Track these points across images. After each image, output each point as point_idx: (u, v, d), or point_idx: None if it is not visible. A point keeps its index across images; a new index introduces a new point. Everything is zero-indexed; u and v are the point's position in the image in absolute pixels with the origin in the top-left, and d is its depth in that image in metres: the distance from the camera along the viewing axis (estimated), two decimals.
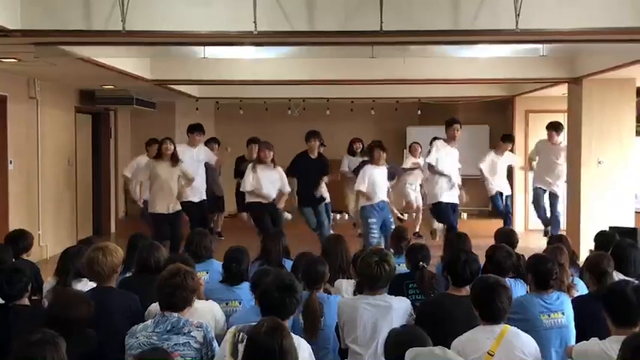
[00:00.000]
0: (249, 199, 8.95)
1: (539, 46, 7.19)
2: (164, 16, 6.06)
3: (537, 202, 10.46)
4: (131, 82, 9.87)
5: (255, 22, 5.77)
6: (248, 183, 8.83)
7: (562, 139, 10.35)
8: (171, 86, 10.75)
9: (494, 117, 13.43)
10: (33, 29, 5.93)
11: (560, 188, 10.39)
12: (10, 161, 9.12)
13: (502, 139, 11.18)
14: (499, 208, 10.97)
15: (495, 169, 10.86)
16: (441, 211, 9.10)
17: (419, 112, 13.17)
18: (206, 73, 9.68)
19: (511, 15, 5.73)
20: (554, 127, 10.43)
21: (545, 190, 10.44)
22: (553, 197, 10.44)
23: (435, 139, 9.58)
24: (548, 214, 10.37)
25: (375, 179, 8.61)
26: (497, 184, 10.85)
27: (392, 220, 8.81)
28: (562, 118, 11.50)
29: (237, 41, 6.70)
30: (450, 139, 9.00)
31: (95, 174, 12.22)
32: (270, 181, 8.84)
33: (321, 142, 9.60)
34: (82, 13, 5.96)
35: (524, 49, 7.67)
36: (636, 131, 10.23)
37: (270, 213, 8.89)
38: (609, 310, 3.54)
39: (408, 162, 11.39)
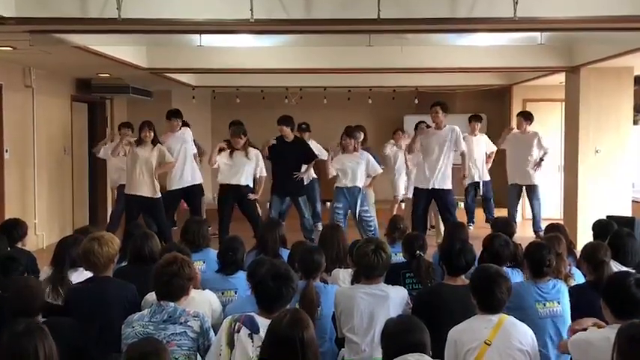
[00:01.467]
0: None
1: (537, 34, 7.16)
2: (160, 3, 6.04)
3: (511, 202, 10.38)
4: (127, 71, 9.82)
5: (251, 9, 5.75)
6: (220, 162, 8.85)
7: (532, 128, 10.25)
8: (168, 75, 10.72)
9: (491, 106, 13.40)
10: (28, 17, 5.90)
11: (536, 177, 10.19)
12: (6, 150, 9.08)
13: (469, 119, 11.05)
14: (468, 202, 10.98)
15: (472, 154, 10.66)
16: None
17: (416, 100, 13.13)
18: (202, 62, 9.66)
19: (509, 3, 5.71)
20: (523, 115, 10.31)
21: (521, 187, 10.27)
22: (531, 192, 10.22)
23: (420, 122, 9.57)
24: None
25: (344, 164, 8.74)
26: (474, 171, 10.77)
27: (364, 209, 8.76)
28: (560, 107, 11.51)
29: (233, 29, 6.66)
30: (433, 123, 8.89)
31: (91, 163, 12.17)
32: (239, 167, 8.81)
33: (293, 128, 9.48)
34: (78, 1, 5.94)
35: (521, 37, 7.64)
36: (634, 120, 10.22)
37: (238, 199, 8.89)
38: (609, 302, 3.51)
39: (387, 148, 11.22)
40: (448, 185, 8.89)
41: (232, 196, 8.85)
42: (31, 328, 2.99)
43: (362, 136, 9.96)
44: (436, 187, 8.80)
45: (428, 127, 9.24)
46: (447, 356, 3.59)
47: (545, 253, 4.41)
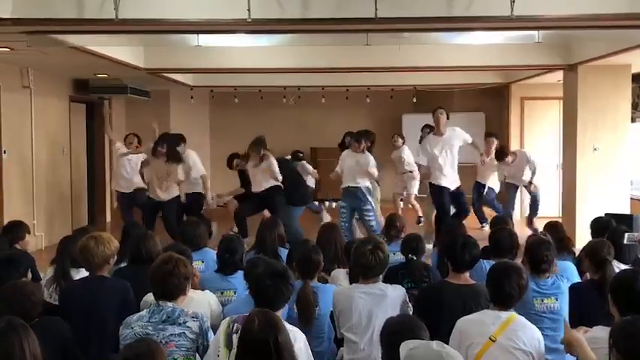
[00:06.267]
0: None
1: (535, 32, 7.17)
2: (157, 3, 6.04)
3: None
4: (125, 71, 9.82)
5: (248, 9, 5.75)
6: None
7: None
8: (166, 75, 10.72)
9: (489, 104, 13.43)
10: (25, 18, 5.89)
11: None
12: (5, 151, 9.07)
13: (485, 136, 11.17)
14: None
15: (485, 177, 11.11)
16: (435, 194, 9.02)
17: (414, 99, 13.15)
18: (200, 62, 9.66)
19: (506, 1, 5.71)
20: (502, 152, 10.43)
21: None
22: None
23: (425, 126, 9.56)
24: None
25: (345, 164, 8.97)
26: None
27: (367, 209, 8.83)
28: (558, 105, 11.53)
29: (230, 29, 6.66)
30: (435, 126, 8.85)
31: (89, 163, 12.18)
32: (254, 177, 9.07)
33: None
34: (75, 2, 5.92)
35: (519, 35, 7.65)
36: (631, 118, 10.23)
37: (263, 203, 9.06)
38: (617, 301, 3.44)
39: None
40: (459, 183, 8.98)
41: (256, 200, 9.07)
42: (14, 325, 2.92)
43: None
44: (452, 187, 8.79)
45: (430, 130, 9.19)
46: (451, 345, 3.57)
47: (544, 250, 4.42)
